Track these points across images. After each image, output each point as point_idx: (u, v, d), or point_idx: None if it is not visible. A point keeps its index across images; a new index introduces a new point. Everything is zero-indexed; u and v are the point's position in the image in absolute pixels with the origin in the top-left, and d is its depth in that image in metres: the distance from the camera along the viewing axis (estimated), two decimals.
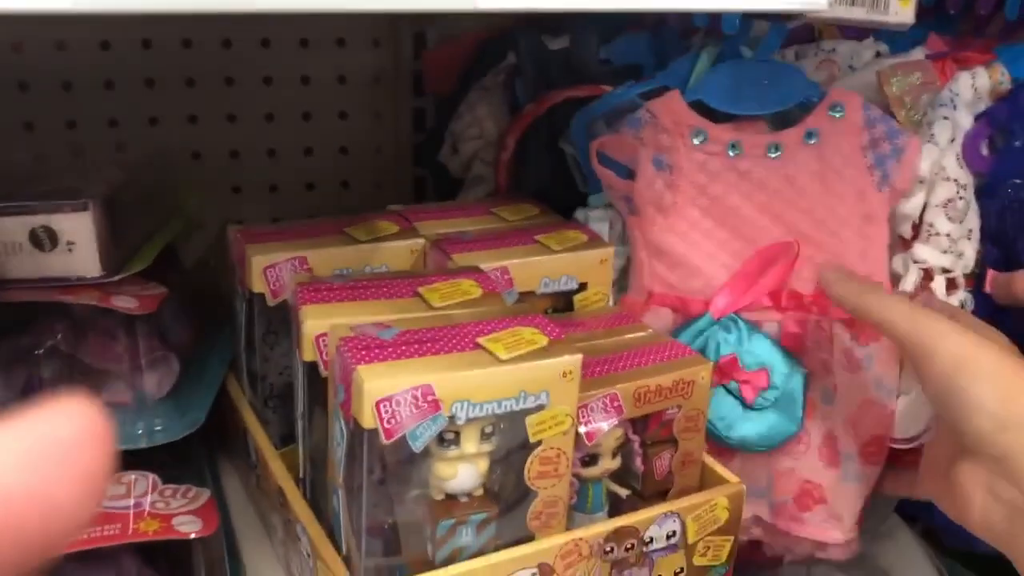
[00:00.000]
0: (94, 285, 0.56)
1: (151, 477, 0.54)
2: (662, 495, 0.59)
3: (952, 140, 0.64)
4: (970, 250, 0.64)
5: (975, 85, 0.66)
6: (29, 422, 0.18)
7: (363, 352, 0.48)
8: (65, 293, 0.55)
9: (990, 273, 0.65)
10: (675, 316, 0.67)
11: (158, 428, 0.59)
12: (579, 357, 0.50)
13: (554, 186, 0.76)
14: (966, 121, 0.65)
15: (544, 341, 0.50)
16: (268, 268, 0.60)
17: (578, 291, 0.66)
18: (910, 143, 0.64)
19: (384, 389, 0.46)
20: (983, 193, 0.66)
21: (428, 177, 1.04)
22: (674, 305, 0.67)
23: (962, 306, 0.64)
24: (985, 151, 0.67)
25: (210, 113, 0.95)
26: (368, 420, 0.46)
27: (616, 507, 0.58)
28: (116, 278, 0.57)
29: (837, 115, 0.65)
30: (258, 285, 0.61)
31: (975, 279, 0.66)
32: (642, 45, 0.77)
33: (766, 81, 0.65)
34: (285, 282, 0.61)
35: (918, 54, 0.70)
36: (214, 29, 0.92)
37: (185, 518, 0.52)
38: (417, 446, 0.47)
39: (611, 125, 0.70)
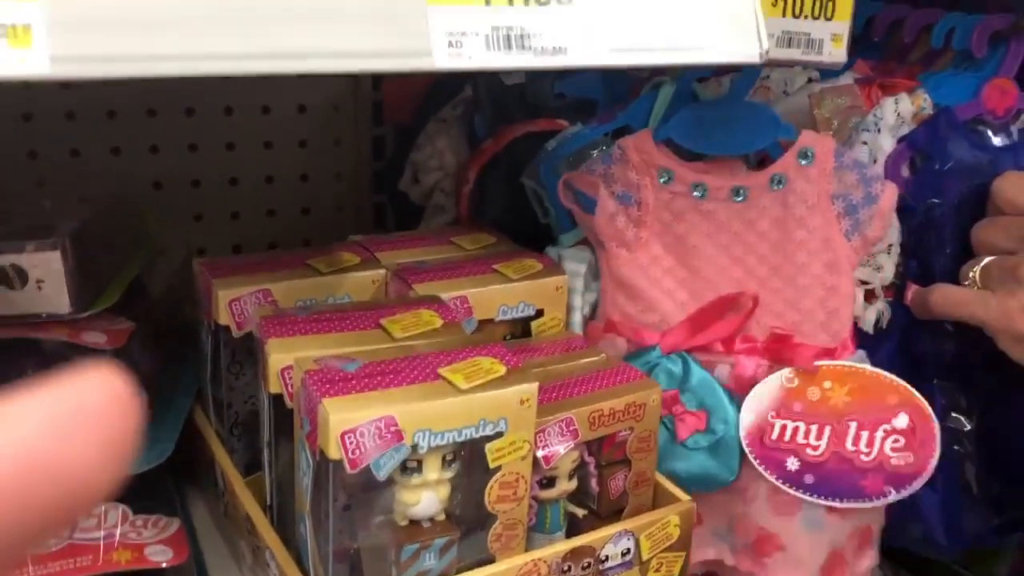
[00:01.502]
0: (64, 321, 0.57)
1: (121, 508, 0.56)
2: (617, 514, 0.62)
3: (874, 161, 0.68)
4: (889, 264, 0.68)
5: (898, 110, 0.69)
6: (55, 389, 0.19)
7: (328, 385, 0.50)
8: (35, 330, 0.56)
9: (910, 287, 0.68)
10: (629, 345, 0.70)
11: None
12: (535, 385, 0.52)
13: (514, 218, 0.78)
14: (888, 144, 0.68)
15: (502, 370, 0.53)
16: (233, 301, 0.62)
17: (535, 317, 0.68)
18: (886, 190, 0.66)
19: (348, 421, 0.48)
20: (903, 211, 0.69)
21: (388, 204, 1.06)
22: (629, 335, 0.69)
23: (880, 315, 0.68)
24: (906, 172, 0.70)
25: (171, 143, 0.97)
26: (334, 451, 0.48)
27: (573, 526, 0.60)
28: (85, 314, 0.58)
29: (804, 162, 0.67)
30: (223, 317, 0.62)
31: (895, 290, 0.69)
32: (594, 80, 0.80)
33: (737, 122, 0.67)
34: (249, 314, 0.63)
35: (847, 79, 0.73)
36: None
37: (157, 548, 0.53)
38: (381, 475, 0.49)
39: (573, 162, 0.73)
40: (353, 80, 1.03)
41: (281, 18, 0.36)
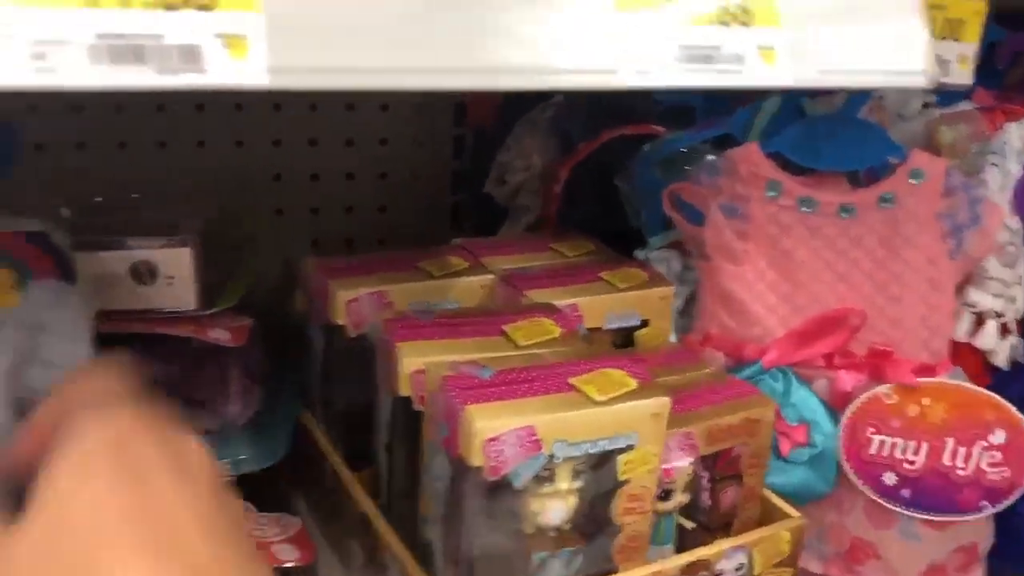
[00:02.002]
0: (190, 318, 0.58)
1: (247, 506, 0.56)
2: (726, 528, 0.62)
3: (1002, 187, 0.68)
4: (1021, 296, 0.67)
5: (1022, 136, 0.69)
6: None
7: (467, 391, 0.50)
8: (164, 325, 0.57)
9: None
10: (727, 359, 0.70)
11: (242, 457, 0.61)
12: (668, 400, 0.52)
13: (601, 219, 0.78)
14: (1016, 168, 0.68)
15: (633, 384, 0.53)
16: (351, 301, 0.63)
17: (640, 327, 0.68)
18: (993, 211, 0.67)
19: (492, 429, 0.48)
20: None
21: (465, 205, 1.06)
22: (728, 349, 0.70)
23: (1013, 350, 0.67)
24: None
25: (255, 139, 0.97)
26: (476, 458, 0.48)
27: (681, 538, 0.61)
28: (210, 311, 0.59)
29: (917, 181, 0.67)
30: (340, 317, 0.63)
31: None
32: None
33: (848, 139, 0.68)
34: (365, 315, 0.63)
35: (965, 106, 0.73)
36: None
37: (283, 546, 0.54)
38: (518, 483, 0.50)
39: (669, 167, 0.73)
40: None
41: (488, 34, 0.36)
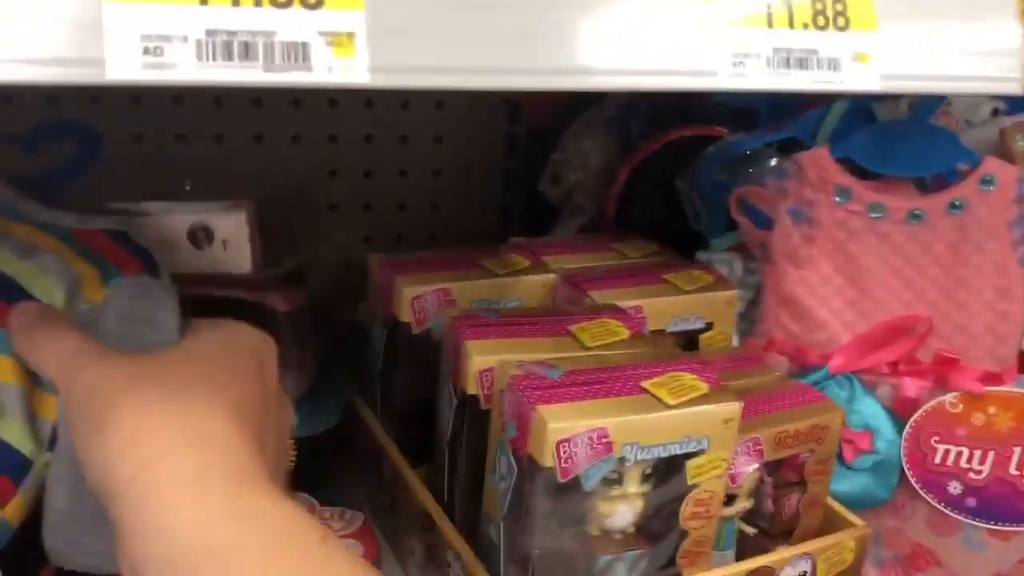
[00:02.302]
0: (245, 282, 0.58)
1: (309, 500, 0.56)
2: (787, 535, 0.61)
3: None
4: None
5: None
6: None
7: (537, 392, 0.50)
8: (221, 288, 0.57)
9: None
10: (791, 364, 0.69)
11: (296, 424, 0.61)
12: (739, 405, 0.52)
13: (661, 221, 0.78)
14: None
15: (704, 388, 0.52)
16: (416, 298, 0.63)
17: (704, 330, 0.68)
18: None
19: (564, 431, 0.48)
20: None
21: (517, 204, 1.06)
22: (792, 354, 0.69)
23: None
24: None
25: (312, 134, 0.98)
26: (547, 458, 0.48)
27: (742, 544, 0.60)
28: (265, 277, 0.59)
29: (988, 188, 0.66)
30: (404, 314, 0.63)
31: None
32: None
33: (918, 144, 0.67)
34: (429, 312, 0.63)
35: None
36: None
37: (348, 541, 0.54)
38: (589, 485, 0.49)
39: (732, 170, 0.72)
40: None
41: (573, 36, 0.36)
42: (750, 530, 0.61)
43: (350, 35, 0.33)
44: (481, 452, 0.55)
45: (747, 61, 0.38)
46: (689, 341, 0.68)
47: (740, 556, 0.59)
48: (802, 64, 0.39)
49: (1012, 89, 0.43)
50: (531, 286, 0.67)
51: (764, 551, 0.58)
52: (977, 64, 0.42)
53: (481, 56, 0.34)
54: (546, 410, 0.48)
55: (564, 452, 0.48)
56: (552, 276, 0.68)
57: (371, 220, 1.03)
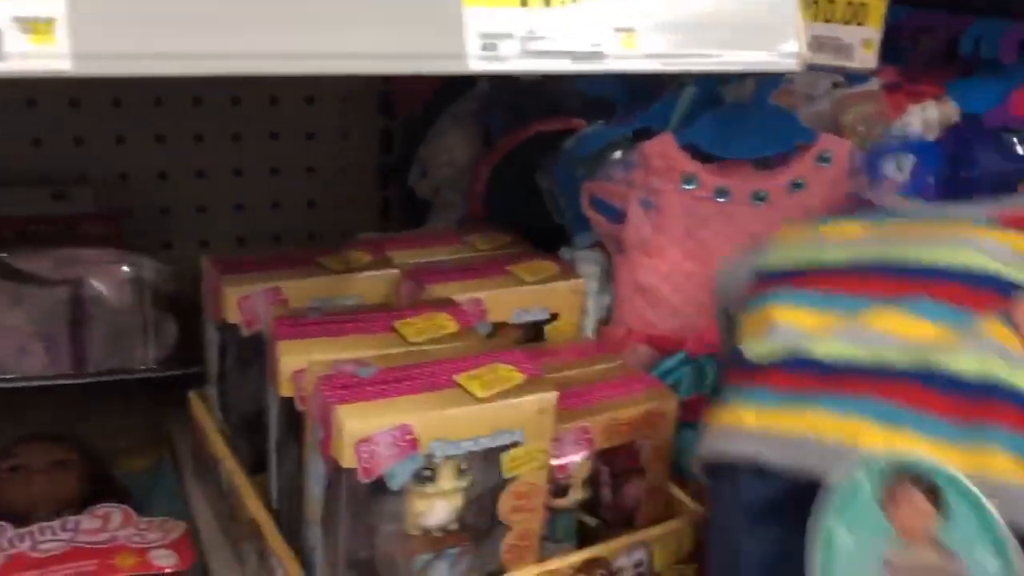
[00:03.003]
0: None
1: (125, 510, 0.54)
2: (629, 524, 0.61)
3: (901, 169, 0.67)
4: None
5: (925, 117, 0.69)
6: None
7: (342, 391, 0.48)
8: None
9: None
10: (651, 351, 0.69)
11: None
12: (555, 394, 0.51)
13: (527, 217, 0.77)
14: (916, 151, 0.67)
15: (520, 378, 0.51)
16: (242, 299, 0.61)
17: (549, 321, 0.67)
18: (885, 191, 0.66)
19: (363, 430, 0.46)
20: None
21: (394, 198, 1.04)
22: (651, 342, 0.68)
23: None
24: (932, 180, 0.70)
25: (177, 133, 0.95)
26: (348, 460, 0.47)
27: (584, 536, 0.59)
28: None
29: (825, 165, 0.66)
30: (232, 316, 0.61)
31: None
32: (613, 80, 0.78)
33: (758, 125, 0.66)
34: (259, 313, 0.61)
35: (873, 84, 0.72)
36: None
37: (161, 552, 0.52)
38: (395, 484, 0.48)
39: (589, 163, 0.71)
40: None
41: (310, 19, 0.34)
42: (592, 521, 0.60)
43: (48, 21, 0.31)
44: (298, 454, 0.54)
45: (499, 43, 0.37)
46: (536, 332, 0.67)
47: (582, 548, 0.58)
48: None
49: (790, 66, 0.42)
50: (371, 283, 0.65)
51: (606, 542, 0.58)
52: (753, 41, 0.42)
53: (194, 42, 0.33)
54: (345, 410, 0.47)
55: (365, 452, 0.47)
56: (394, 272, 0.66)
57: (244, 220, 1.01)
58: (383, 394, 0.49)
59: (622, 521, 0.60)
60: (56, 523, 0.53)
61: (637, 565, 0.57)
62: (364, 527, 0.50)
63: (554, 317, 0.67)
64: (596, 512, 0.60)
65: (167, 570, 0.51)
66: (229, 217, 1.00)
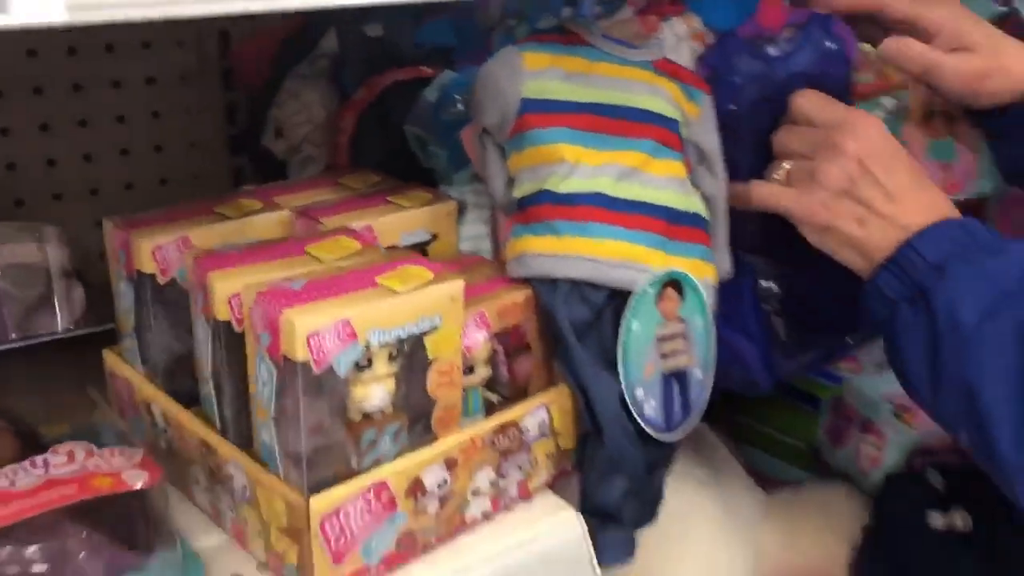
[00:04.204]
0: None
1: (86, 445, 0.59)
2: (524, 396, 0.71)
3: None
4: None
5: (675, 32, 0.80)
6: None
7: (283, 299, 0.56)
8: None
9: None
10: None
11: None
12: (462, 282, 0.61)
13: (392, 161, 0.85)
14: (684, 62, 0.79)
15: (429, 275, 0.61)
16: (156, 249, 0.66)
17: (430, 242, 0.76)
18: None
19: (312, 325, 0.54)
20: None
21: (247, 166, 1.09)
22: None
23: None
24: None
25: (22, 123, 0.96)
26: (301, 354, 0.54)
27: (489, 411, 0.69)
28: None
29: None
30: (147, 266, 0.67)
31: None
32: (447, 28, 0.88)
33: None
34: (172, 261, 0.67)
35: (626, 12, 0.82)
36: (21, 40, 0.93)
37: (132, 472, 0.58)
38: (341, 372, 0.57)
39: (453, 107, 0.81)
40: (198, 49, 1.05)
41: None
42: (494, 398, 0.70)
43: None
44: (242, 371, 0.61)
45: None
46: (421, 253, 0.76)
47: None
48: None
49: None
50: (268, 224, 0.72)
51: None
52: None
53: None
54: (292, 311, 0.55)
55: (315, 345, 0.55)
56: (286, 213, 0.73)
57: (99, 204, 1.03)
58: (318, 298, 0.57)
59: (518, 395, 0.71)
60: (23, 463, 0.57)
61: (540, 424, 0.69)
62: (315, 416, 0.57)
63: (434, 238, 0.76)
64: (496, 389, 0.70)
65: (140, 485, 0.57)
66: (84, 201, 1.02)
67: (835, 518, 0.97)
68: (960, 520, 0.84)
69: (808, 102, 0.74)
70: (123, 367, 0.72)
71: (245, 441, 0.62)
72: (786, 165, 0.75)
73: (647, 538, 0.74)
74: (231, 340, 0.61)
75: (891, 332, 0.68)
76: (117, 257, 0.70)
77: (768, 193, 0.75)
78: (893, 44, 0.78)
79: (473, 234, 0.79)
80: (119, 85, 1.01)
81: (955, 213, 0.70)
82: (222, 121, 1.09)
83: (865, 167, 0.69)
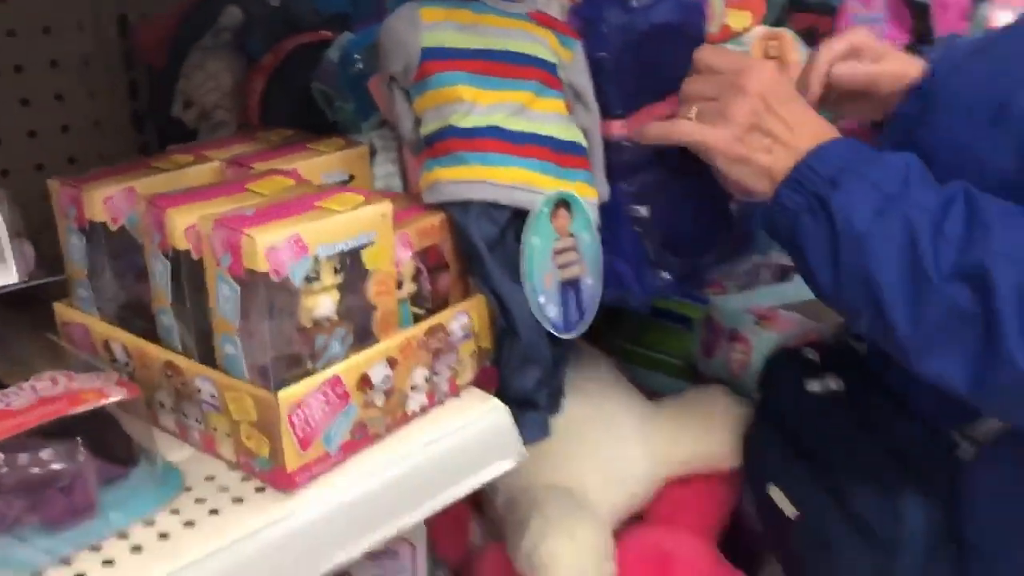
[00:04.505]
0: None
1: (66, 371, 0.67)
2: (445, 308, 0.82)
3: None
4: None
5: None
6: None
7: (239, 222, 0.65)
8: None
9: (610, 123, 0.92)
10: None
11: None
12: (390, 203, 0.71)
13: (301, 118, 0.94)
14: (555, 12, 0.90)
15: (361, 199, 0.71)
16: (106, 199, 0.73)
17: (348, 182, 0.86)
18: None
19: (270, 240, 0.64)
20: None
21: (153, 141, 1.15)
22: None
23: None
24: None
25: None
26: (262, 265, 0.63)
27: (417, 323, 0.80)
28: None
29: None
30: (99, 215, 0.74)
31: None
32: None
33: None
34: (121, 210, 0.74)
35: None
36: None
37: (112, 389, 0.65)
38: (296, 283, 0.66)
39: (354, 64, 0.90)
40: (97, 32, 1.11)
41: None
42: (420, 311, 0.80)
43: None
44: (203, 295, 0.69)
45: None
46: None
47: None
48: None
49: None
50: (203, 174, 0.80)
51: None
52: None
53: None
54: (252, 230, 0.63)
55: (272, 258, 0.64)
56: (217, 163, 0.81)
57: (9, 185, 1.07)
58: (270, 219, 0.66)
59: (440, 308, 0.81)
60: (11, 388, 0.64)
61: (463, 327, 0.79)
62: (276, 322, 0.66)
63: (351, 178, 0.86)
64: (421, 305, 0.81)
65: (123, 397, 0.65)
66: None
67: (716, 416, 1.12)
68: (834, 383, 0.98)
69: (710, 54, 0.86)
70: (77, 314, 0.79)
71: (208, 360, 0.71)
72: (696, 108, 0.85)
73: (548, 444, 0.86)
74: (190, 267, 0.69)
75: (795, 240, 0.79)
76: (66, 213, 0.76)
77: (689, 130, 0.84)
78: None
79: (384, 173, 0.89)
80: (21, 70, 1.06)
81: (839, 137, 0.82)
82: (126, 100, 1.14)
83: (767, 103, 0.81)
